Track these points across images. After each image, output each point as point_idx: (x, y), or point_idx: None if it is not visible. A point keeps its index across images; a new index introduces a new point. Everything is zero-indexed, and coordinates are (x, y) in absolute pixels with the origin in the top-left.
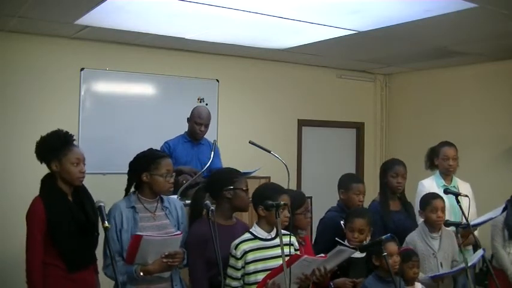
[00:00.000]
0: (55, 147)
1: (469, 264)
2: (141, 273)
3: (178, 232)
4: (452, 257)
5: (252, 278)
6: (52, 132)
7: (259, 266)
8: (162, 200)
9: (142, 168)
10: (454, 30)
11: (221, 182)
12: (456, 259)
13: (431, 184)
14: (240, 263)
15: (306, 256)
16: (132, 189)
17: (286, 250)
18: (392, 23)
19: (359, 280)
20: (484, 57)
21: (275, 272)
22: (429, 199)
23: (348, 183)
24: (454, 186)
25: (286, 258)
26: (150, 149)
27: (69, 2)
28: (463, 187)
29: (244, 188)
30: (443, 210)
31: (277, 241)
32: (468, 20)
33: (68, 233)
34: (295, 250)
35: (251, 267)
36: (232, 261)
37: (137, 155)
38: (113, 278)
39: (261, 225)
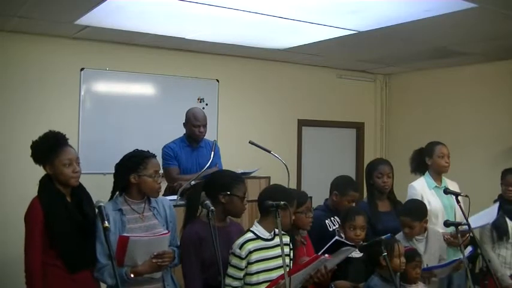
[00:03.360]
0: (46, 150)
1: (456, 259)
2: (132, 275)
3: (166, 231)
4: (440, 256)
5: (254, 279)
6: (43, 135)
7: (261, 266)
8: (149, 201)
9: (130, 170)
10: (454, 30)
11: (219, 186)
12: (444, 257)
13: (422, 186)
14: (244, 263)
15: (322, 257)
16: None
17: (286, 250)
18: (392, 23)
19: (361, 285)
20: (484, 57)
21: (290, 272)
22: (400, 215)
23: (346, 189)
24: (444, 186)
25: (307, 259)
26: (136, 150)
27: (69, 2)
28: (452, 186)
29: (241, 196)
30: (411, 226)
31: (276, 241)
32: (468, 20)
33: (66, 233)
34: (290, 249)
35: (254, 268)
36: (235, 260)
37: (124, 156)
38: (104, 282)
39: (263, 224)
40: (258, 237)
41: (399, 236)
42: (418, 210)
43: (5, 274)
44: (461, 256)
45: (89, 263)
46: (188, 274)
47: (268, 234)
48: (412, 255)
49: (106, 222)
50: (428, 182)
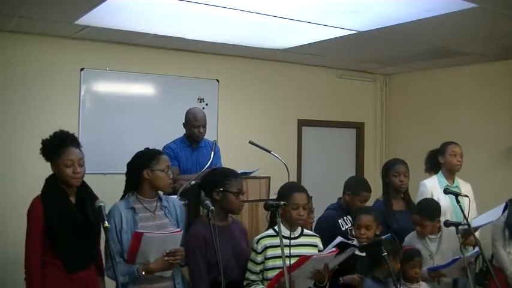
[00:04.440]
0: (50, 149)
1: (456, 258)
2: (143, 273)
3: (179, 229)
4: (453, 257)
5: (270, 274)
6: (52, 134)
7: (277, 262)
8: (160, 200)
9: (144, 166)
10: (454, 30)
11: (212, 183)
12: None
13: (433, 184)
14: (259, 258)
15: (314, 256)
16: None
17: (309, 251)
18: (392, 23)
19: None
20: (484, 57)
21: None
22: (413, 213)
23: (358, 189)
24: (456, 187)
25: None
26: (147, 148)
27: (69, 2)
28: (465, 188)
29: (234, 191)
30: (422, 225)
31: (299, 240)
32: (468, 20)
33: (65, 233)
34: (319, 251)
35: (270, 263)
36: (252, 255)
37: (135, 154)
38: (114, 279)
39: (285, 223)
40: (277, 235)
41: (413, 233)
42: (430, 209)
43: (5, 274)
44: (469, 254)
45: (88, 263)
46: (195, 275)
47: (289, 232)
48: (411, 255)
49: (106, 222)
50: (440, 181)
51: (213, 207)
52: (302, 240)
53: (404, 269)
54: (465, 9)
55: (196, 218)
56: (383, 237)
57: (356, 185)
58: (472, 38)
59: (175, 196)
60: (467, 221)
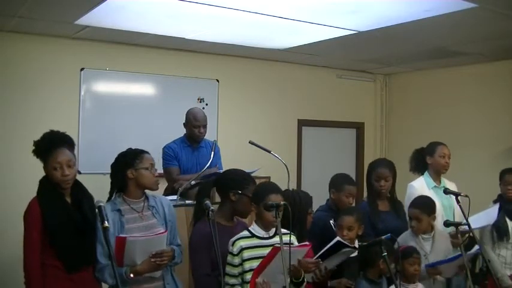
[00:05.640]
0: (39, 152)
1: (459, 254)
2: (131, 275)
3: (163, 230)
4: (446, 257)
5: (249, 276)
6: (42, 136)
7: (255, 264)
8: (148, 199)
9: (127, 165)
10: (454, 30)
11: (231, 183)
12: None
13: (421, 185)
14: (236, 260)
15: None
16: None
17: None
18: (392, 23)
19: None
20: (484, 57)
21: (258, 270)
22: (409, 207)
23: (340, 184)
24: (443, 187)
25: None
26: (130, 148)
27: (69, 2)
28: (451, 187)
29: (250, 196)
30: (418, 219)
31: (275, 240)
32: (468, 20)
33: (64, 233)
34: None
35: (247, 265)
36: (229, 258)
37: (118, 155)
38: (104, 282)
39: (259, 223)
40: (253, 236)
41: (406, 233)
42: (427, 204)
43: (5, 274)
44: (470, 253)
45: (87, 263)
46: (199, 270)
47: (264, 232)
48: (409, 252)
49: (106, 222)
50: (428, 182)
51: (213, 208)
52: (276, 239)
53: (404, 267)
54: (465, 9)
55: (203, 215)
56: (383, 237)
57: (338, 181)
58: (472, 38)
59: (175, 196)
60: (467, 220)
